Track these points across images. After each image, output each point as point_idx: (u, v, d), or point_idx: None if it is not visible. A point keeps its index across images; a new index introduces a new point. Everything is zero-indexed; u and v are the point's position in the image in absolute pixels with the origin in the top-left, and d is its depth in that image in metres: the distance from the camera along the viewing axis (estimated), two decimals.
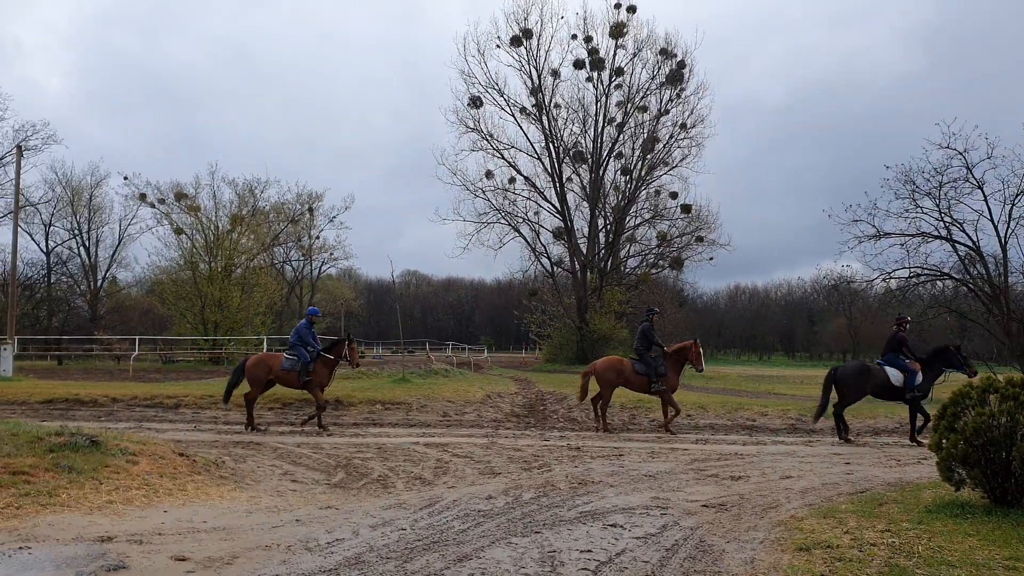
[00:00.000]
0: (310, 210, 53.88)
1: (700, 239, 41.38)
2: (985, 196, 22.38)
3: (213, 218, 37.25)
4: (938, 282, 24.95)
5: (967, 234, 22.94)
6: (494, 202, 40.21)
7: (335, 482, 8.37)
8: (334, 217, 54.20)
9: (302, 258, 58.58)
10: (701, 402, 17.04)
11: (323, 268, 61.63)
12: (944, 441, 6.35)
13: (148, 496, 6.72)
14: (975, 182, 22.27)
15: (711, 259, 41.59)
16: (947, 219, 22.97)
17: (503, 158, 40.49)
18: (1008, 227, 22.23)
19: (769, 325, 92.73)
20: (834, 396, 12.49)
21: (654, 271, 44.41)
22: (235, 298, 35.63)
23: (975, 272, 23.38)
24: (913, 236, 23.38)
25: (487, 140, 39.96)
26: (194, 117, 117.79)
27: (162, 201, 39.57)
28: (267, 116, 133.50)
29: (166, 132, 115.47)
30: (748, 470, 8.97)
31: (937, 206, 22.93)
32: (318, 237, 56.38)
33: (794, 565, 4.72)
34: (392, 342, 53.93)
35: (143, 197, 40.85)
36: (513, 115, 40.33)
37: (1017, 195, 21.99)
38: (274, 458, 9.74)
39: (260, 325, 36.61)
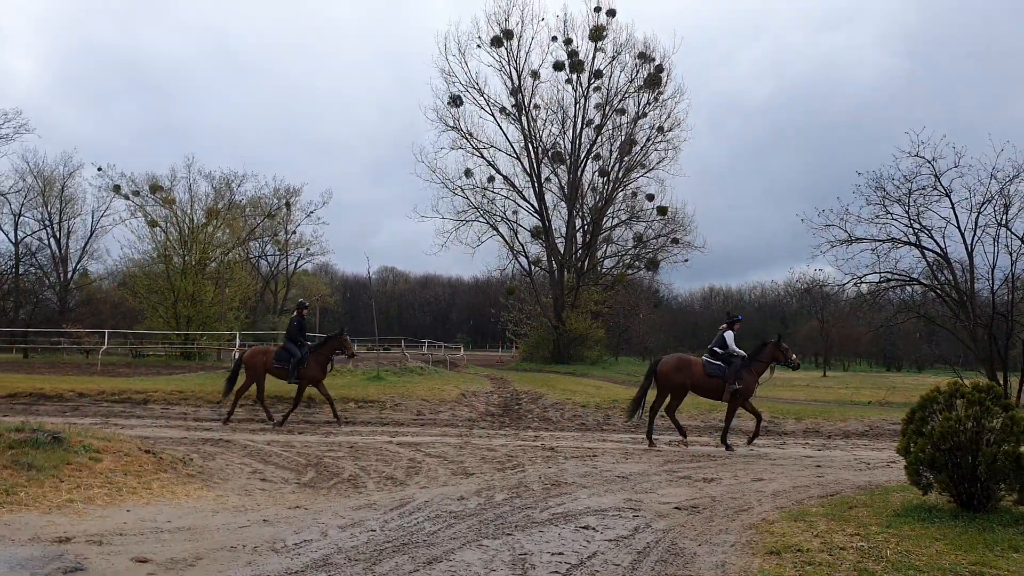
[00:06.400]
0: (287, 204, 53.29)
1: (675, 241, 41.62)
2: (952, 204, 22.75)
3: (188, 211, 36.56)
4: (907, 287, 25.38)
5: (935, 241, 23.32)
6: (473, 200, 40.10)
7: (305, 481, 8.25)
8: (311, 212, 53.72)
9: (278, 253, 57.98)
10: None
11: (299, 263, 61.14)
12: (912, 445, 6.42)
13: (111, 495, 6.55)
14: (943, 190, 22.64)
15: (686, 261, 41.89)
16: (916, 226, 23.34)
17: (482, 157, 40.40)
18: (974, 235, 22.63)
19: (743, 327, 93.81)
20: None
21: (630, 272, 44.61)
22: (208, 292, 35.03)
23: (942, 278, 23.78)
24: (883, 242, 23.71)
25: (466, 139, 39.83)
26: (171, 107, 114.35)
27: (136, 193, 38.79)
28: (246, 107, 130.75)
29: (142, 122, 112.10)
30: (720, 472, 9.01)
31: (907, 212, 23.28)
32: (294, 232, 55.86)
33: (764, 569, 4.73)
34: (367, 339, 53.45)
35: (117, 189, 40.05)
36: (493, 115, 40.25)
37: (983, 203, 22.37)
38: (243, 456, 9.58)
39: (233, 320, 36.07)
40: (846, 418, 15.42)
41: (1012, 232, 22.08)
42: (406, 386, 18.47)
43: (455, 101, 39.70)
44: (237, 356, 15.10)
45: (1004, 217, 22.12)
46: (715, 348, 11.91)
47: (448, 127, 39.60)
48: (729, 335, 11.89)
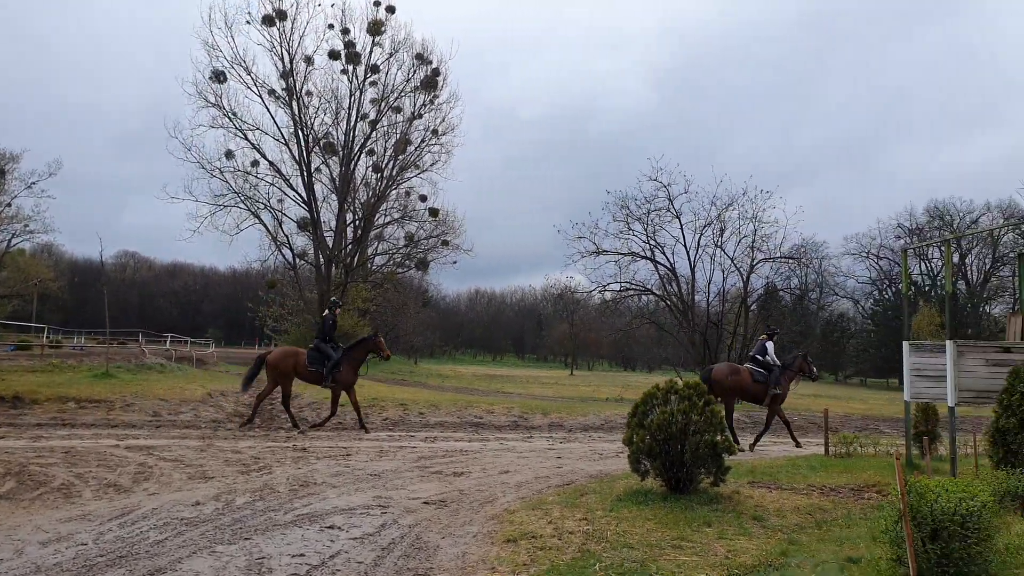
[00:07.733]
0: (1, 172, 45.31)
1: (446, 243, 42.45)
2: (681, 225, 26.40)
3: None
4: (643, 296, 28.62)
5: (666, 256, 26.82)
6: (233, 184, 37.03)
7: (1, 493, 7.04)
8: (33, 183, 46.27)
9: None
10: (434, 400, 17.47)
11: (13, 241, 52.18)
12: (635, 436, 7.23)
13: None
14: (674, 212, 26.16)
15: (455, 263, 42.92)
16: (652, 242, 26.63)
17: (246, 139, 37.54)
18: (697, 253, 26.36)
19: (503, 328, 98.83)
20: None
21: (400, 270, 44.59)
22: None
23: (671, 290, 27.27)
24: (625, 255, 26.67)
25: (229, 118, 36.75)
26: None
27: None
28: None
29: None
30: (471, 466, 9.36)
31: (645, 230, 26.48)
32: (9, 205, 47.62)
33: (501, 556, 5.00)
34: (99, 331, 47.24)
35: None
36: (260, 96, 37.66)
37: (705, 226, 26.19)
38: None
39: None
40: (586, 413, 16.86)
41: (725, 252, 26.10)
42: (142, 384, 16.66)
43: (218, 77, 36.58)
44: (259, 354, 13.83)
45: (720, 239, 26.11)
46: (756, 356, 13.09)
47: (209, 104, 36.29)
48: (770, 344, 13.13)
